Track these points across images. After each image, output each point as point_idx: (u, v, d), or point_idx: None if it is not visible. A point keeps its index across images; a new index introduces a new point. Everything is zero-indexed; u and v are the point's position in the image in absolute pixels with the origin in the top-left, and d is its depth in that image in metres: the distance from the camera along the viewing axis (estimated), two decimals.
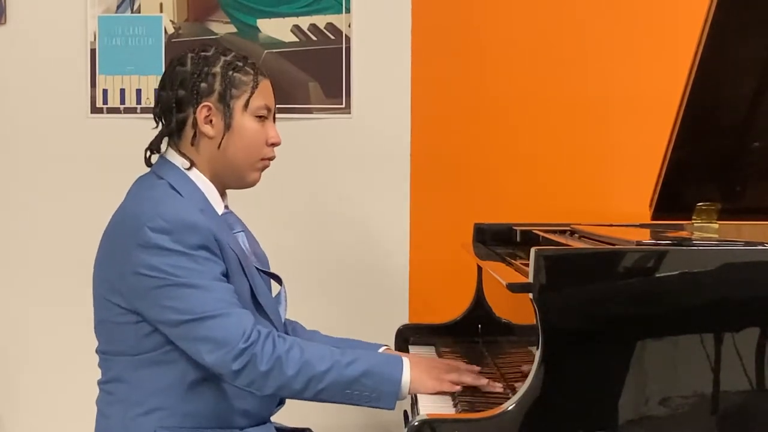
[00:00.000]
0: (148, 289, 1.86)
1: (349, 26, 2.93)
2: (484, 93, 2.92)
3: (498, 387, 1.93)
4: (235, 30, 2.95)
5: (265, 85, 2.03)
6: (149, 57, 2.95)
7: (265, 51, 2.93)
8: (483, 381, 1.93)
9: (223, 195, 2.06)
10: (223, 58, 2.01)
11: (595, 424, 1.66)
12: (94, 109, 2.96)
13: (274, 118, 2.07)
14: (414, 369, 1.90)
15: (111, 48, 2.95)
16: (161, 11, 2.95)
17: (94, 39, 2.95)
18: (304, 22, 2.94)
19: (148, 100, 2.93)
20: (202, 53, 2.01)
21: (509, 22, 2.91)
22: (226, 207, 2.07)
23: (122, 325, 1.92)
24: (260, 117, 2.01)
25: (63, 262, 2.96)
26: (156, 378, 1.92)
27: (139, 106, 2.95)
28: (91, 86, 2.96)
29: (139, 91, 2.95)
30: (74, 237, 2.94)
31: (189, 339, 1.86)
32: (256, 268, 2.05)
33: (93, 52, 2.95)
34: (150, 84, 2.94)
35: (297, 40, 2.94)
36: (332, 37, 2.93)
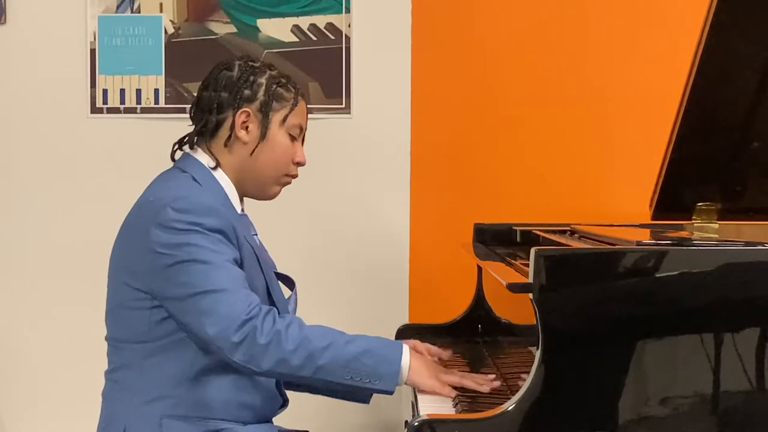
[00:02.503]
0: (163, 267, 1.88)
1: (349, 26, 2.93)
2: (484, 93, 2.92)
3: (495, 383, 1.93)
4: (235, 30, 2.95)
5: (302, 106, 2.08)
6: (149, 57, 2.95)
7: (265, 51, 2.93)
8: (484, 389, 1.92)
9: (240, 200, 2.09)
10: (269, 72, 2.06)
11: (595, 424, 1.66)
12: (94, 109, 2.96)
13: (304, 140, 2.11)
14: (414, 357, 1.91)
15: (111, 48, 2.95)
16: (161, 11, 2.95)
17: (94, 39, 2.95)
18: (304, 22, 2.94)
19: (148, 100, 2.94)
20: (250, 62, 2.07)
21: (509, 22, 2.91)
22: (242, 211, 2.09)
23: (136, 310, 1.94)
24: (292, 135, 2.06)
25: (63, 262, 2.96)
26: (164, 366, 1.93)
27: (139, 106, 2.95)
28: (91, 86, 2.96)
29: (139, 91, 2.95)
30: (74, 236, 2.94)
31: (194, 312, 1.87)
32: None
33: (93, 52, 2.95)
34: (150, 84, 2.94)
35: (297, 40, 2.94)
36: (332, 37, 2.93)
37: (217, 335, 1.85)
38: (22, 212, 2.98)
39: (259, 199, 2.11)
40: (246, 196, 2.10)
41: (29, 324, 2.98)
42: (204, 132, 2.04)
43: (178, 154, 2.09)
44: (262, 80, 2.04)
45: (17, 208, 2.98)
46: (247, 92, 2.02)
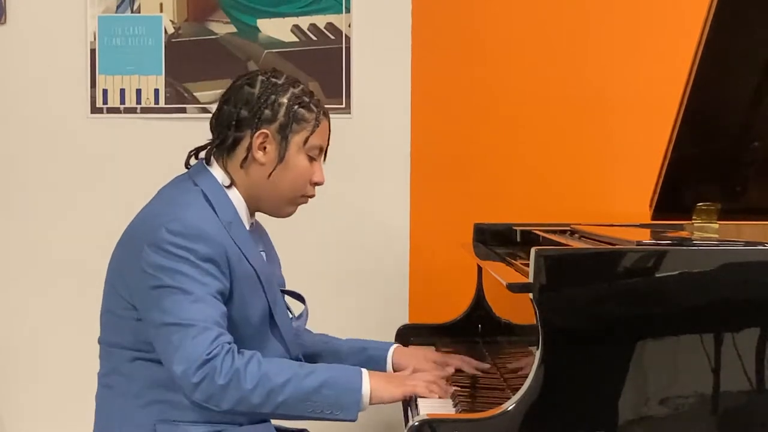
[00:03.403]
0: (148, 288, 1.87)
1: (349, 26, 2.93)
2: (484, 93, 2.92)
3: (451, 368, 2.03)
4: (235, 30, 2.95)
5: (324, 125, 2.04)
6: (149, 57, 2.95)
7: (265, 51, 2.93)
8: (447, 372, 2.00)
9: (252, 214, 2.07)
10: (291, 90, 2.01)
11: (595, 424, 1.66)
12: (94, 109, 2.96)
13: (325, 158, 2.08)
14: (374, 378, 1.91)
15: (111, 48, 2.95)
16: (161, 11, 2.95)
17: (94, 39, 2.95)
18: (304, 22, 2.94)
19: (148, 100, 2.93)
20: (273, 79, 2.01)
21: (509, 22, 2.91)
22: (252, 224, 2.08)
23: (124, 319, 1.94)
24: (311, 156, 2.03)
25: (63, 261, 2.96)
26: (155, 372, 1.92)
27: (139, 106, 2.95)
28: (91, 86, 2.95)
29: (139, 91, 2.95)
30: (74, 236, 2.94)
31: (165, 342, 1.85)
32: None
33: (93, 52, 2.95)
34: (150, 84, 2.94)
35: (297, 40, 2.94)
36: (332, 37, 2.93)
37: (181, 374, 1.83)
38: (21, 212, 2.98)
39: (273, 216, 2.08)
40: (260, 212, 2.08)
41: (29, 324, 2.98)
42: (221, 147, 2.01)
43: (193, 160, 2.06)
44: (284, 100, 1.98)
45: (17, 209, 2.98)
46: (267, 112, 1.97)
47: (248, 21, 2.95)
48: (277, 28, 2.94)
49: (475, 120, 2.92)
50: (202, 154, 2.05)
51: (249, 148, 1.98)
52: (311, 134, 2.01)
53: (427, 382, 1.96)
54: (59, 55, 2.96)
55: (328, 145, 2.07)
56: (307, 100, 2.01)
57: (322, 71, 2.93)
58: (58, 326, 2.96)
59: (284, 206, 2.05)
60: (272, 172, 1.99)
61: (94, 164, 2.96)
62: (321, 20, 2.94)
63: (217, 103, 2.05)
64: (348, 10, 2.92)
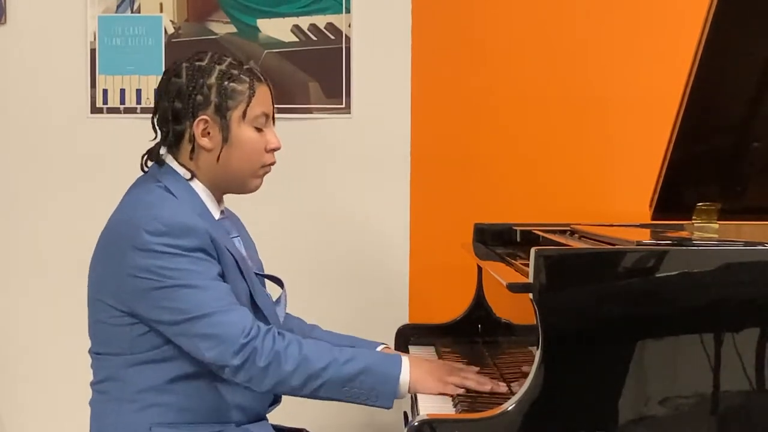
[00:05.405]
0: (145, 291, 1.86)
1: (349, 26, 2.93)
2: (484, 93, 2.92)
3: (502, 387, 1.93)
4: (235, 30, 2.95)
5: (262, 91, 2.01)
6: (149, 57, 2.95)
7: (265, 51, 2.93)
8: (486, 387, 1.93)
9: (219, 201, 2.06)
10: (218, 68, 1.98)
11: (595, 424, 1.66)
12: (94, 109, 2.96)
13: (274, 121, 2.06)
14: (414, 369, 1.90)
15: (111, 48, 2.95)
16: (161, 11, 2.95)
17: (94, 39, 2.95)
18: (304, 22, 2.94)
19: (148, 100, 2.94)
20: (197, 63, 1.99)
21: (509, 22, 2.91)
22: (223, 212, 2.07)
23: (116, 327, 1.92)
24: (257, 126, 2.00)
25: (62, 262, 2.96)
26: (150, 375, 1.92)
27: (139, 106, 2.95)
28: (91, 86, 2.95)
29: (139, 91, 2.95)
30: (73, 237, 2.94)
31: (188, 336, 1.86)
32: (255, 273, 2.05)
33: (93, 52, 2.95)
34: (150, 84, 2.94)
35: (297, 40, 2.94)
36: (332, 37, 2.93)
37: (217, 359, 1.84)
38: (22, 213, 2.98)
39: (243, 194, 2.06)
40: (229, 193, 2.07)
41: (30, 324, 2.98)
42: (169, 143, 2.00)
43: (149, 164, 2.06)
44: (212, 80, 1.96)
45: (17, 209, 2.98)
46: (199, 98, 1.95)
47: (248, 21, 2.95)
48: (277, 28, 2.94)
49: (475, 120, 2.92)
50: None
51: (193, 138, 1.97)
52: (248, 105, 1.98)
53: (476, 377, 1.95)
54: (59, 55, 2.96)
55: (273, 109, 2.05)
56: (235, 72, 1.98)
57: (322, 71, 2.93)
58: (59, 327, 2.96)
59: (247, 182, 2.03)
60: (220, 154, 1.97)
61: (94, 164, 2.96)
62: (321, 20, 2.94)
63: (153, 101, 2.04)
64: (348, 10, 2.92)
